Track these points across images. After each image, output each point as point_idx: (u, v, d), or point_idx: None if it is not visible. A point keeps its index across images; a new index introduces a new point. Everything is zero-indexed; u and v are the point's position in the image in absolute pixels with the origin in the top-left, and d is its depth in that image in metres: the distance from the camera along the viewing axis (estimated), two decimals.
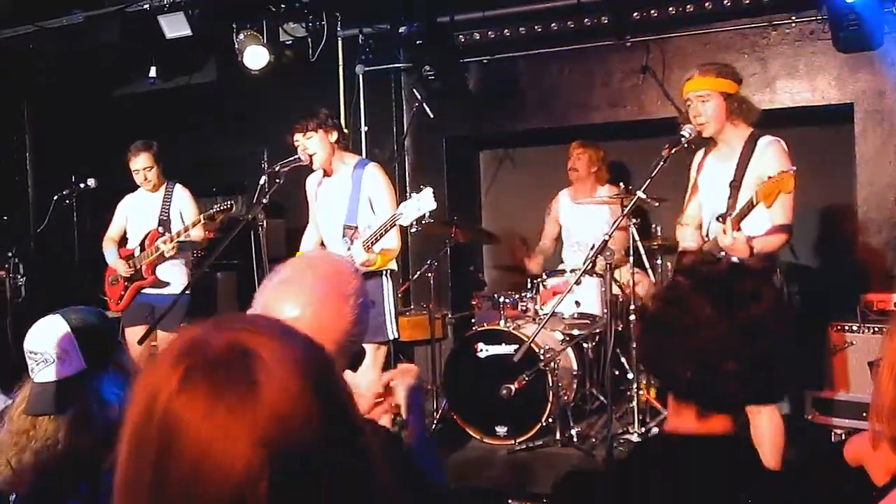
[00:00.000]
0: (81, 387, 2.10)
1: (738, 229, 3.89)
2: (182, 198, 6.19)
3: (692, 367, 1.64)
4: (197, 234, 5.97)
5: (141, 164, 6.06)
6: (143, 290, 6.11)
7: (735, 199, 4.10)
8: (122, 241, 6.34)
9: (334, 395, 0.99)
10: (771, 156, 4.12)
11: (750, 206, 3.89)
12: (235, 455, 0.89)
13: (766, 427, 4.06)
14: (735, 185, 4.14)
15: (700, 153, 4.45)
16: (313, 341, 1.06)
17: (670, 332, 1.68)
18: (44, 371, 2.11)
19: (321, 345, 1.06)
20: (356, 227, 4.82)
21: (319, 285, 1.76)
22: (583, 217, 6.53)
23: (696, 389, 1.68)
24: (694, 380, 1.65)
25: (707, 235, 4.31)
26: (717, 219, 4.14)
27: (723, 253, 3.95)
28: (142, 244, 6.12)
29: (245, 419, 0.90)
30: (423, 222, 4.69)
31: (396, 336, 4.97)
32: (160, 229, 6.07)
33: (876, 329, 5.14)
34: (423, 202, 4.52)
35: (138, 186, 6.21)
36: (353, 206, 4.85)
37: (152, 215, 6.16)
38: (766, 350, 1.66)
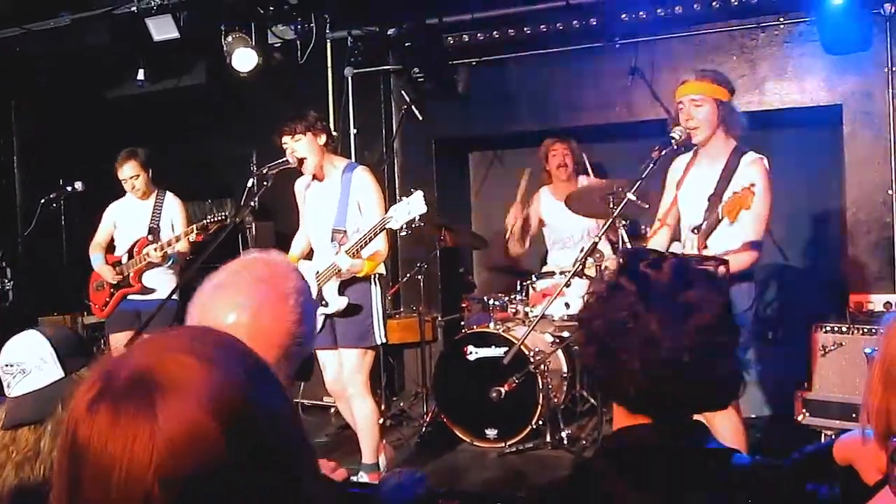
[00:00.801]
0: (58, 395, 2.09)
1: (705, 246, 3.90)
2: (173, 207, 6.15)
3: (636, 383, 1.59)
4: (182, 246, 5.93)
5: (128, 172, 6.02)
6: (130, 297, 6.07)
7: (713, 213, 4.09)
8: (110, 247, 6.30)
9: (250, 430, 0.97)
10: (753, 174, 4.10)
11: (716, 221, 3.90)
12: (134, 481, 0.91)
13: (725, 427, 4.04)
14: (714, 199, 4.12)
15: (684, 158, 4.44)
16: (240, 371, 1.03)
17: (614, 349, 1.60)
18: (21, 383, 2.10)
19: (249, 377, 1.03)
20: (345, 232, 4.79)
21: (256, 287, 1.70)
22: (566, 214, 6.49)
23: (643, 404, 1.63)
24: (639, 396, 1.60)
25: (684, 245, 4.29)
26: (693, 231, 4.13)
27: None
28: (130, 252, 6.08)
29: (143, 443, 0.92)
30: (413, 226, 4.67)
31: (384, 341, 4.92)
32: (150, 237, 6.03)
33: (865, 330, 5.14)
34: (413, 206, 4.51)
35: (126, 191, 6.17)
36: (342, 211, 4.82)
37: (142, 223, 6.12)
38: (714, 361, 1.60)
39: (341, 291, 4.77)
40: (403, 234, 4.68)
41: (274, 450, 0.99)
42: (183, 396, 0.94)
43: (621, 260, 1.74)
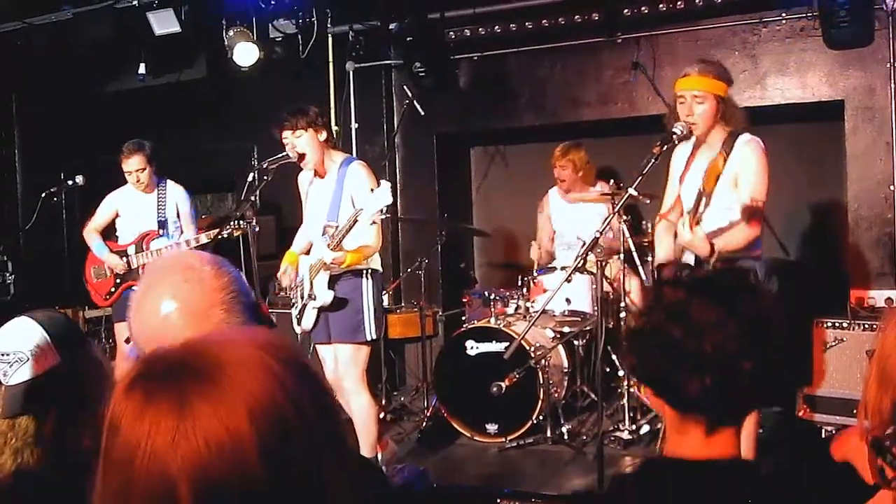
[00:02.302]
0: (58, 381, 2.09)
1: (697, 223, 3.88)
2: (175, 192, 6.18)
3: (705, 375, 1.58)
4: (191, 234, 5.97)
5: (133, 165, 6.02)
6: (134, 288, 6.07)
7: (711, 197, 4.10)
8: (105, 233, 6.29)
9: (288, 430, 0.95)
10: (748, 154, 4.14)
11: (699, 197, 3.87)
12: (156, 465, 0.91)
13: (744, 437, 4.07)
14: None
15: (686, 147, 4.43)
16: (286, 379, 1.00)
17: (675, 346, 1.61)
18: (18, 371, 2.09)
19: (294, 385, 1.00)
20: (336, 226, 4.77)
21: (172, 273, 1.70)
22: (573, 216, 6.50)
23: (710, 399, 1.61)
24: (710, 388, 1.59)
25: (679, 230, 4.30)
26: (686, 213, 4.15)
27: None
28: (138, 244, 6.08)
29: (166, 433, 0.91)
30: (381, 217, 4.61)
31: (375, 337, 4.85)
32: (160, 231, 6.05)
33: (866, 326, 5.15)
34: (379, 198, 4.41)
35: (128, 182, 6.17)
36: (335, 205, 4.80)
37: (149, 215, 6.12)
38: (773, 345, 1.63)
39: (332, 285, 4.76)
40: (371, 225, 4.60)
41: (306, 464, 0.97)
42: (219, 393, 0.94)
43: (656, 273, 1.79)
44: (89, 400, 2.11)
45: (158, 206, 6.11)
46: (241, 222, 5.63)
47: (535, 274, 6.13)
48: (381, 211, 4.43)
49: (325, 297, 4.73)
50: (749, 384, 1.62)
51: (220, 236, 5.62)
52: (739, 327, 1.59)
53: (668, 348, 1.62)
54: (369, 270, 4.83)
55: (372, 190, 4.46)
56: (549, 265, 6.35)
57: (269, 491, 0.92)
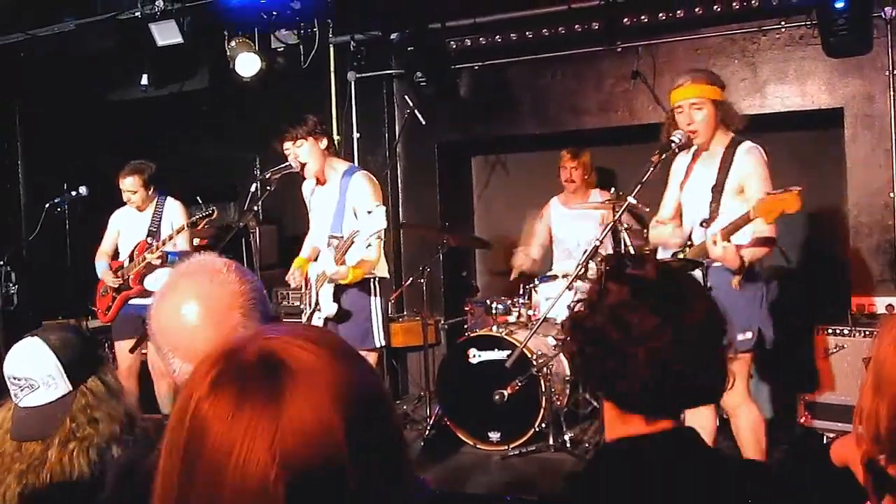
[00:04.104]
0: (66, 408, 2.10)
1: (728, 240, 3.90)
2: (173, 210, 6.19)
3: (639, 379, 1.63)
4: (183, 242, 5.96)
5: (127, 186, 6.06)
6: (132, 301, 6.09)
7: (718, 204, 4.15)
8: (116, 254, 6.33)
9: (370, 425, 0.97)
10: (750, 162, 4.17)
11: (745, 220, 3.89)
12: (254, 463, 0.90)
13: (745, 427, 4.09)
14: (717, 190, 4.18)
15: (686, 156, 4.46)
16: (367, 368, 1.04)
17: (613, 348, 1.65)
18: (28, 397, 2.11)
19: (368, 374, 1.04)
20: (341, 237, 4.79)
21: (192, 276, 1.74)
22: (573, 224, 6.53)
23: (642, 400, 1.67)
24: (641, 392, 1.64)
25: (690, 239, 4.32)
26: (701, 224, 4.16)
27: (706, 259, 3.96)
28: (131, 255, 6.12)
29: (266, 429, 0.91)
30: (377, 240, 4.59)
31: (384, 343, 4.92)
32: (149, 240, 6.06)
33: (866, 333, 5.16)
34: (375, 222, 4.33)
35: None
36: (339, 216, 4.83)
37: (143, 228, 6.17)
38: (709, 351, 1.67)
39: (338, 296, 4.78)
40: (369, 248, 4.55)
41: (386, 450, 1.00)
42: (312, 385, 0.94)
43: (604, 266, 1.78)
44: (99, 425, 2.13)
45: (152, 219, 6.14)
46: (210, 209, 5.73)
47: (537, 282, 6.15)
48: (377, 235, 4.42)
49: (330, 309, 4.76)
50: (681, 385, 1.66)
51: (187, 228, 5.86)
52: (675, 335, 1.62)
53: (605, 349, 1.67)
54: (377, 279, 4.86)
55: (369, 212, 4.39)
56: (538, 273, 6.36)
57: (356, 478, 0.93)
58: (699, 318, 1.65)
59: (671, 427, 1.69)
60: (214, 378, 0.96)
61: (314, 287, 4.86)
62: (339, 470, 0.92)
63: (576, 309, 1.77)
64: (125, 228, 6.26)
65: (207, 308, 1.67)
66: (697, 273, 3.89)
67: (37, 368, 2.11)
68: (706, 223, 4.12)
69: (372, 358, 4.89)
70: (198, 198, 6.62)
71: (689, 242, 4.29)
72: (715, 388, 1.72)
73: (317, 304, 4.80)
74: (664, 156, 4.24)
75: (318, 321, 4.82)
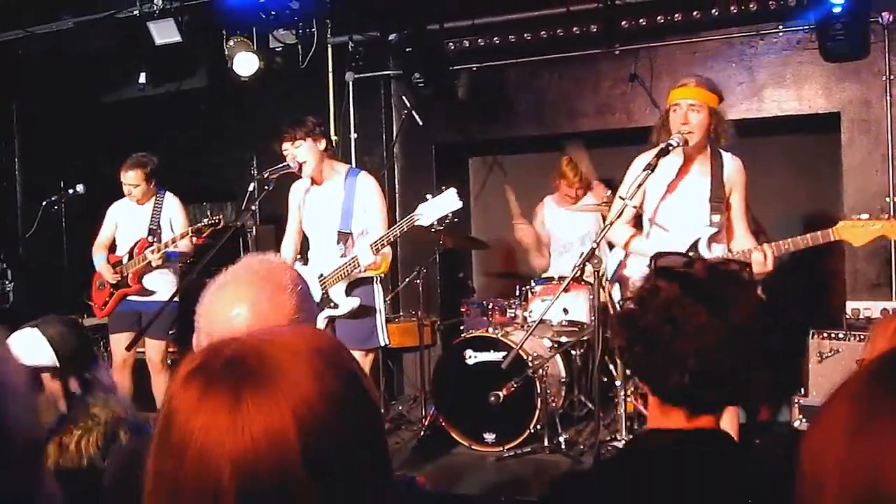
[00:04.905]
0: (59, 400, 2.11)
1: (774, 258, 4.14)
2: (172, 206, 6.17)
3: (688, 373, 1.66)
4: (185, 245, 5.96)
5: (129, 179, 6.05)
6: (129, 298, 6.09)
7: (721, 216, 4.26)
8: (112, 247, 6.31)
9: (336, 442, 0.97)
10: (737, 170, 4.40)
11: (814, 241, 4.12)
12: (208, 460, 0.92)
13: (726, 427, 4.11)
14: (717, 201, 4.29)
15: (675, 161, 4.44)
16: (351, 380, 1.04)
17: (664, 342, 1.69)
18: None
19: (342, 391, 1.02)
20: (351, 234, 4.84)
21: (255, 281, 1.76)
22: (568, 222, 6.54)
23: (689, 394, 1.70)
24: (689, 385, 1.67)
25: (695, 249, 4.32)
26: (709, 238, 4.28)
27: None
28: (130, 252, 6.10)
29: (221, 428, 0.93)
30: (447, 221, 4.71)
31: (387, 342, 4.99)
32: (150, 238, 6.05)
33: (861, 337, 5.17)
34: (447, 202, 4.57)
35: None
36: (348, 214, 4.87)
37: (142, 224, 6.14)
38: (758, 349, 1.70)
39: (348, 293, 4.82)
40: (434, 230, 4.71)
41: (346, 468, 0.99)
42: (273, 394, 0.95)
43: (654, 263, 1.81)
44: (90, 419, 2.13)
45: (152, 216, 6.12)
46: (216, 218, 5.73)
47: (533, 284, 6.15)
48: (449, 216, 4.54)
49: (350, 303, 4.81)
50: (727, 384, 1.69)
51: (192, 233, 5.80)
52: (723, 332, 1.66)
53: (655, 346, 1.71)
54: (379, 277, 4.90)
55: (426, 197, 4.59)
56: (546, 276, 6.37)
57: (308, 491, 0.94)
58: (747, 317, 1.68)
59: (710, 426, 1.72)
60: (190, 371, 0.99)
61: (317, 287, 4.85)
62: (292, 482, 0.93)
63: (625, 307, 1.80)
64: (123, 221, 6.23)
65: (256, 320, 1.69)
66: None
67: (32, 358, 2.13)
68: (714, 238, 4.32)
69: (370, 359, 4.91)
70: (205, 203, 6.61)
71: (691, 252, 4.30)
72: (755, 387, 1.75)
73: (330, 303, 4.81)
74: (661, 159, 4.26)
75: (321, 321, 4.81)
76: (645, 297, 1.76)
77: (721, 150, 4.37)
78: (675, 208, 4.45)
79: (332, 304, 4.81)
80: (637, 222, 4.64)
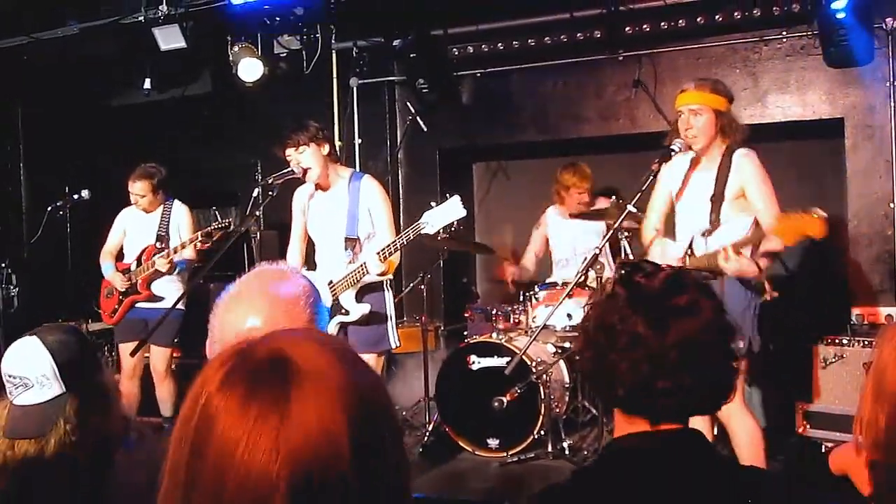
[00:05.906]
0: (60, 409, 2.11)
1: (739, 254, 3.92)
2: (180, 214, 6.17)
3: (624, 385, 1.65)
4: (189, 253, 5.95)
5: (137, 190, 6.05)
6: (137, 305, 6.09)
7: (717, 214, 4.16)
8: (120, 254, 6.32)
9: (374, 430, 0.98)
10: (748, 165, 4.20)
11: (759, 237, 3.93)
12: (258, 459, 0.92)
13: (743, 435, 4.09)
14: (716, 200, 4.19)
15: (683, 164, 4.45)
16: (372, 374, 1.06)
17: (605, 351, 1.67)
18: (23, 395, 2.12)
19: (374, 382, 1.05)
20: (357, 240, 4.84)
21: (270, 291, 1.77)
22: (572, 232, 6.50)
23: (633, 406, 1.68)
24: (630, 396, 1.65)
25: (691, 249, 4.31)
26: (703, 234, 4.18)
27: (710, 270, 3.97)
28: (138, 259, 6.10)
29: (271, 427, 0.93)
30: (452, 229, 4.71)
31: (399, 344, 4.99)
32: (158, 244, 6.05)
33: (866, 342, 5.16)
34: (452, 210, 4.55)
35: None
36: (353, 219, 4.86)
37: (150, 231, 6.14)
38: (701, 364, 1.65)
39: (359, 299, 4.81)
40: (440, 238, 4.71)
41: (388, 458, 1.00)
42: (319, 388, 0.96)
43: (619, 271, 1.78)
44: (91, 428, 2.14)
45: (160, 223, 6.12)
46: (226, 221, 5.72)
47: (537, 289, 6.15)
48: (454, 224, 4.53)
49: (361, 310, 4.80)
50: (666, 400, 1.65)
51: (201, 238, 5.78)
52: (659, 346, 1.62)
53: (596, 352, 1.70)
54: (388, 281, 4.90)
55: (431, 204, 4.57)
56: (550, 281, 6.36)
57: (354, 485, 0.94)
58: (695, 330, 1.63)
59: (677, 428, 1.69)
60: (226, 373, 0.98)
61: (327, 293, 4.85)
62: (341, 472, 0.93)
63: (585, 310, 1.79)
64: (132, 229, 6.24)
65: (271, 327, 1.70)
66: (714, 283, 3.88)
67: (31, 367, 2.13)
68: (708, 233, 4.14)
69: (380, 362, 4.93)
70: (213, 208, 6.62)
71: (689, 251, 4.29)
72: (713, 399, 1.72)
73: (341, 309, 4.81)
74: (664, 164, 4.26)
75: (333, 327, 4.81)
76: (599, 302, 1.75)
77: (734, 148, 4.25)
78: (682, 209, 4.44)
79: (343, 311, 4.80)
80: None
